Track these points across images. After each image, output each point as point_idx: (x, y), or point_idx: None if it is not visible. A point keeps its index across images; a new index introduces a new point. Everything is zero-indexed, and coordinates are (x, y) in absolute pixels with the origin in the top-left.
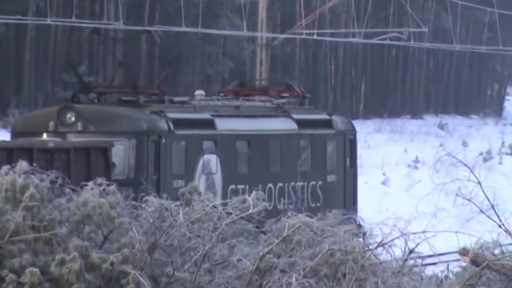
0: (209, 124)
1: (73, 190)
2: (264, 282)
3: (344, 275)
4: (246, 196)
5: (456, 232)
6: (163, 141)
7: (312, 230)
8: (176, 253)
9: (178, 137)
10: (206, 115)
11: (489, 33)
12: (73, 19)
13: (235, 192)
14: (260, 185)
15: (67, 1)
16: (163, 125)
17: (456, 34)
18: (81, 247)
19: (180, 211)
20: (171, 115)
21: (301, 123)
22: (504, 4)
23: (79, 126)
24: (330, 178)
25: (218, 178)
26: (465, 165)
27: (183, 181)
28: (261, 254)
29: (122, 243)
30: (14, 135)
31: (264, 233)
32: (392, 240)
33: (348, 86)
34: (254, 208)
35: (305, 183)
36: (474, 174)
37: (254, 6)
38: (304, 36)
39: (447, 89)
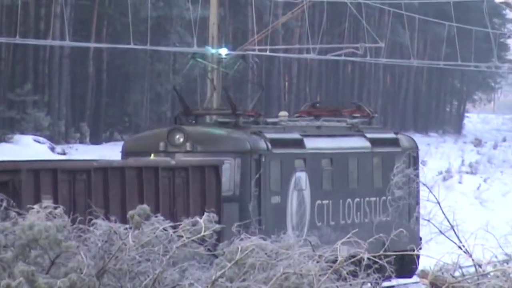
0: (299, 143)
1: (19, 214)
2: None
3: None
4: (198, 218)
5: (415, 254)
6: (263, 160)
7: (266, 253)
8: (125, 278)
9: (275, 156)
10: (296, 135)
11: (447, 48)
12: (17, 38)
13: (321, 207)
14: (340, 201)
15: (11, 19)
16: (262, 145)
17: (413, 49)
18: (27, 272)
19: (130, 234)
20: (268, 135)
21: (373, 142)
22: (463, 18)
23: (188, 146)
24: (398, 193)
25: (307, 194)
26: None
27: (279, 197)
28: (213, 278)
29: (69, 268)
30: (125, 154)
31: (216, 256)
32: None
33: (302, 103)
34: (206, 231)
35: (378, 198)
36: (433, 194)
37: (205, 21)
38: (256, 53)
39: (404, 106)
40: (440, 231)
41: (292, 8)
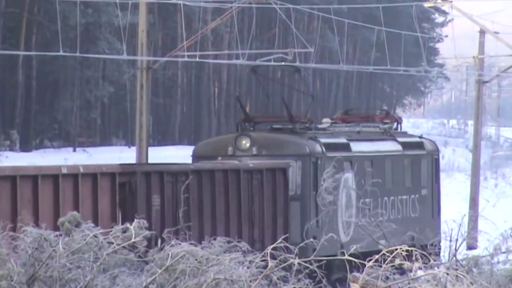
0: (346, 147)
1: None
2: None
3: None
4: (128, 225)
5: (345, 259)
6: (319, 162)
7: (196, 259)
8: (56, 285)
9: (329, 158)
10: (343, 140)
11: (376, 52)
12: None
13: (364, 205)
14: (379, 199)
15: None
16: (318, 148)
17: (343, 54)
18: None
19: (60, 242)
20: (322, 140)
21: (404, 145)
22: (392, 23)
23: (254, 150)
24: (423, 192)
25: (353, 194)
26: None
27: (332, 196)
28: (144, 284)
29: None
30: (196, 158)
31: (147, 262)
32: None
33: (232, 109)
34: (137, 237)
35: (408, 196)
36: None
37: (134, 28)
38: (186, 59)
39: (334, 111)
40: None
41: (221, 14)
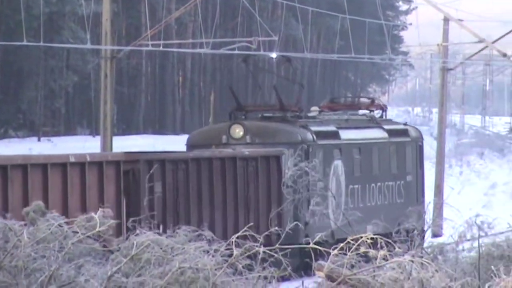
0: (336, 135)
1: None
2: None
3: None
4: (93, 214)
5: (310, 247)
6: (310, 150)
7: (161, 248)
8: (21, 275)
9: (319, 146)
10: (332, 128)
11: (341, 40)
12: None
13: (353, 191)
14: (367, 185)
15: None
16: (309, 136)
17: (307, 42)
18: None
19: (25, 231)
20: (313, 128)
21: (390, 133)
22: (356, 11)
23: (248, 139)
24: (409, 178)
25: (342, 180)
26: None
27: (323, 183)
28: (109, 274)
29: None
30: (190, 147)
31: (112, 252)
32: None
33: (196, 98)
34: (101, 226)
35: (394, 182)
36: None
37: (98, 17)
38: (150, 48)
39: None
40: (335, 223)
41: (185, 2)
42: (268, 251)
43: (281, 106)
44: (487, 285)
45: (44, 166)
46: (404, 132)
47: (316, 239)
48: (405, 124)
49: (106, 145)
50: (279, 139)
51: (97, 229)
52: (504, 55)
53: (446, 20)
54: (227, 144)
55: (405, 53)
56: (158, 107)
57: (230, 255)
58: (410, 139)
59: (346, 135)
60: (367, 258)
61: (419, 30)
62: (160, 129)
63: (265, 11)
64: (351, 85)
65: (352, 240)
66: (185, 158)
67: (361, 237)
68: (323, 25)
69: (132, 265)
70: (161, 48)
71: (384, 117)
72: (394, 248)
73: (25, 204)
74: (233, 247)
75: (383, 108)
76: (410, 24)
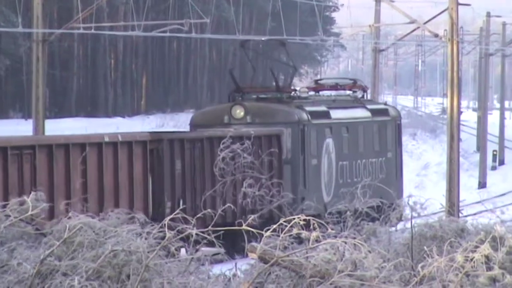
0: (327, 115)
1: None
2: (46, 286)
3: (128, 276)
4: (25, 197)
5: (242, 228)
6: (306, 129)
7: (94, 231)
8: None
9: (313, 125)
10: (323, 108)
11: (272, 22)
12: None
13: (342, 168)
14: (353, 162)
15: None
16: (304, 116)
17: (239, 24)
18: None
19: None
20: (307, 108)
21: (372, 112)
22: None
23: (248, 119)
24: (389, 155)
25: (333, 157)
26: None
27: (316, 160)
28: (41, 257)
29: None
30: (193, 126)
31: (44, 235)
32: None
33: (128, 81)
34: (34, 210)
35: (377, 159)
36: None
37: (29, 0)
38: (81, 31)
39: (231, 81)
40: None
41: None
42: (201, 233)
43: (277, 88)
44: (420, 265)
45: (83, 145)
46: (385, 112)
47: (249, 221)
48: (385, 104)
49: (39, 128)
50: (277, 119)
51: (29, 212)
52: (436, 35)
53: (378, 1)
54: (229, 124)
55: (337, 34)
56: (90, 90)
57: (163, 238)
58: (390, 118)
59: (336, 114)
60: (300, 240)
61: (350, 11)
62: (92, 112)
63: None
64: (284, 67)
65: (284, 221)
66: (201, 137)
67: (294, 218)
68: (254, 6)
69: (65, 248)
70: (92, 31)
71: (365, 98)
72: (327, 230)
73: (68, 181)
74: (166, 229)
75: (364, 89)
76: (342, 5)
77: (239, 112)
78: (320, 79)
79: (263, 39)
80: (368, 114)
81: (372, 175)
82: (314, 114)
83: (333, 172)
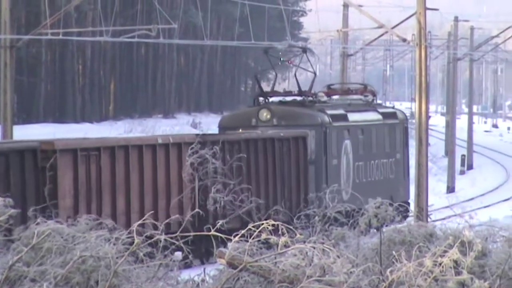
0: (345, 118)
1: None
2: None
3: (97, 282)
4: None
5: (211, 234)
6: (328, 131)
7: (62, 237)
8: None
9: (334, 128)
10: (342, 111)
11: (240, 27)
12: None
13: (358, 168)
14: (367, 162)
15: None
16: (326, 119)
17: (206, 29)
18: None
19: None
20: (328, 111)
21: (383, 115)
22: None
23: (274, 121)
24: (398, 156)
25: (350, 158)
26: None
27: (336, 160)
28: (10, 263)
29: None
30: (222, 129)
31: (12, 241)
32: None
33: (96, 87)
34: (1, 216)
35: (387, 160)
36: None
37: None
38: (49, 37)
39: (199, 87)
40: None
41: None
42: (169, 239)
43: (300, 92)
44: (388, 270)
45: (140, 147)
46: (394, 115)
47: (217, 226)
48: (393, 107)
49: (7, 134)
50: (302, 122)
51: None
52: (404, 40)
53: (346, 5)
54: (256, 126)
55: (305, 39)
56: (58, 96)
57: (132, 243)
58: (398, 121)
59: (352, 117)
60: (269, 245)
61: (318, 16)
62: (60, 118)
63: None
64: (251, 71)
65: (253, 227)
66: (238, 139)
67: (262, 223)
68: (222, 12)
69: (33, 254)
70: (60, 37)
71: (375, 102)
72: (296, 235)
73: (127, 179)
74: (134, 235)
75: (374, 94)
76: (310, 10)
77: (265, 115)
78: (332, 84)
79: (285, 45)
80: (379, 117)
81: (383, 175)
82: (334, 117)
83: (351, 172)
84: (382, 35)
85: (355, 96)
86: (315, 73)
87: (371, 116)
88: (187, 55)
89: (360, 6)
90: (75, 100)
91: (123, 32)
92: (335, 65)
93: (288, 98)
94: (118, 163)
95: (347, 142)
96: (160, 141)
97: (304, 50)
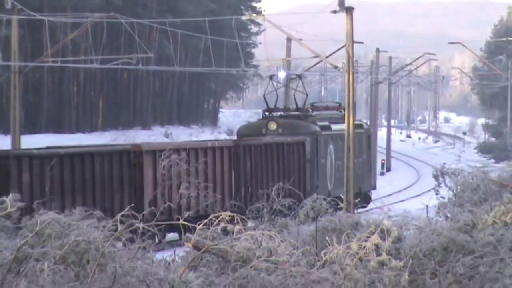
0: (329, 128)
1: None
2: (22, 269)
3: (88, 261)
4: (4, 198)
5: (180, 223)
6: (318, 138)
7: (60, 225)
8: None
9: (322, 135)
10: (327, 123)
11: (204, 57)
12: None
13: (337, 166)
14: (344, 162)
15: None
16: (318, 129)
17: (176, 58)
18: None
19: None
20: (318, 123)
21: (355, 126)
22: (216, 32)
23: (280, 131)
24: (364, 156)
25: (333, 158)
26: (188, 168)
27: (324, 160)
28: (18, 245)
29: None
30: (239, 136)
31: (20, 228)
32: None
33: (88, 104)
34: (12, 208)
35: (357, 160)
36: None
37: (9, 39)
38: (50, 64)
39: (170, 104)
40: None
41: (78, 26)
42: (146, 227)
43: (298, 109)
44: (322, 252)
45: (196, 149)
46: (361, 126)
47: (185, 216)
48: (360, 120)
49: (16, 142)
50: (300, 131)
51: (8, 210)
52: (336, 67)
53: (289, 39)
54: (266, 134)
55: (256, 66)
56: (58, 111)
57: (116, 230)
58: (364, 130)
59: (334, 127)
60: (227, 232)
61: (267, 48)
62: (59, 129)
63: (143, 33)
64: (213, 92)
65: (214, 217)
66: (260, 144)
67: (221, 214)
68: (189, 44)
69: (37, 238)
70: (59, 64)
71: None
72: (247, 223)
73: (188, 173)
74: (118, 223)
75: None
76: (260, 43)
77: (273, 125)
78: (314, 103)
79: (292, 75)
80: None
81: (355, 171)
82: (323, 127)
83: (333, 169)
84: (318, 63)
85: (332, 111)
86: (307, 94)
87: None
88: (161, 79)
89: (300, 39)
90: (71, 115)
91: (109, 60)
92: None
93: (284, 113)
94: (181, 160)
95: (331, 147)
96: (209, 145)
97: (299, 76)
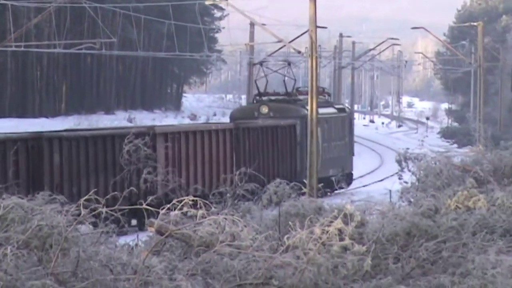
0: (317, 111)
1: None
2: None
3: (51, 246)
4: None
5: (143, 207)
6: (307, 121)
7: (23, 209)
8: None
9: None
10: None
11: (167, 41)
12: None
13: (325, 147)
14: (329, 143)
15: None
16: (307, 113)
17: (140, 43)
18: None
19: None
20: (307, 107)
21: (338, 110)
22: (179, 17)
23: (271, 114)
24: (346, 139)
25: (321, 139)
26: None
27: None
28: None
29: None
30: (232, 119)
31: None
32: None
33: (51, 89)
34: None
35: (340, 142)
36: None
37: None
38: (13, 49)
39: (134, 89)
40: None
41: (42, 11)
42: (109, 211)
43: (287, 93)
44: (286, 237)
45: (201, 132)
46: (344, 110)
47: (148, 201)
48: (342, 104)
49: None
50: (291, 114)
51: None
52: (299, 52)
53: (252, 24)
54: (258, 118)
55: (219, 51)
56: (21, 96)
57: (79, 215)
58: (346, 114)
59: (321, 111)
60: (190, 216)
61: (230, 33)
62: (22, 113)
63: (106, 18)
64: (176, 77)
65: (177, 201)
66: (257, 127)
67: (184, 199)
68: (152, 29)
69: (0, 223)
70: (22, 49)
71: (331, 100)
72: (211, 208)
73: (194, 155)
74: (81, 208)
75: (329, 94)
76: (223, 27)
77: (264, 109)
78: (299, 88)
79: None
80: (335, 111)
81: (338, 153)
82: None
83: (320, 150)
84: (281, 48)
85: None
86: (295, 79)
87: (331, 110)
88: (124, 64)
89: (264, 24)
90: (34, 99)
91: (73, 45)
92: (243, 72)
93: (273, 97)
94: (189, 142)
95: (318, 129)
96: (214, 127)
97: (289, 63)
